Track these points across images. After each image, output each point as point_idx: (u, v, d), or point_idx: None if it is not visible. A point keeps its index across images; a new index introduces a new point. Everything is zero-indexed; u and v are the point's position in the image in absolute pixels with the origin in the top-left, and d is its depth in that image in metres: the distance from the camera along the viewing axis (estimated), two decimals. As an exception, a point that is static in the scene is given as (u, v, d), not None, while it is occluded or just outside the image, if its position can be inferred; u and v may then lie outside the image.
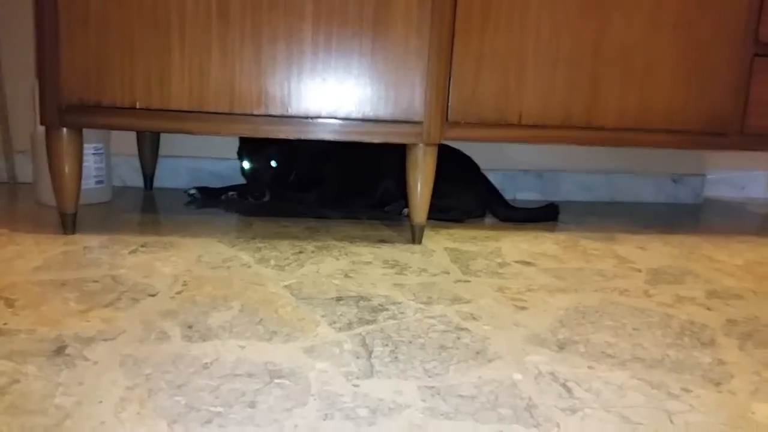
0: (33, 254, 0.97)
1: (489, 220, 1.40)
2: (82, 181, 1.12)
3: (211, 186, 1.54)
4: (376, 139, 1.07)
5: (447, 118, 1.13)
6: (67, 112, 1.03)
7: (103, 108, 1.03)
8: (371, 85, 1.05)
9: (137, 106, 1.03)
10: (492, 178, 1.52)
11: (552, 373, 0.63)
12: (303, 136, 1.07)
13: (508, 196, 1.57)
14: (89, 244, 1.04)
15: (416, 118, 1.07)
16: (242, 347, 0.66)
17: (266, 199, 1.40)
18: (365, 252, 1.07)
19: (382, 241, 1.16)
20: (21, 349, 0.63)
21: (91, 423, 0.51)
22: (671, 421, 0.55)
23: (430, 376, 0.61)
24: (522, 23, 1.16)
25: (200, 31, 1.02)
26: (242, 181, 1.48)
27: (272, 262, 0.98)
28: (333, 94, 1.05)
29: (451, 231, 1.26)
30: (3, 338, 0.66)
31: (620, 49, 1.19)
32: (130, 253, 1.00)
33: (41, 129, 1.32)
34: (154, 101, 1.04)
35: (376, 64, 1.04)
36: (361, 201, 1.45)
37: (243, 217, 1.31)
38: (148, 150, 1.57)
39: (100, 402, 0.54)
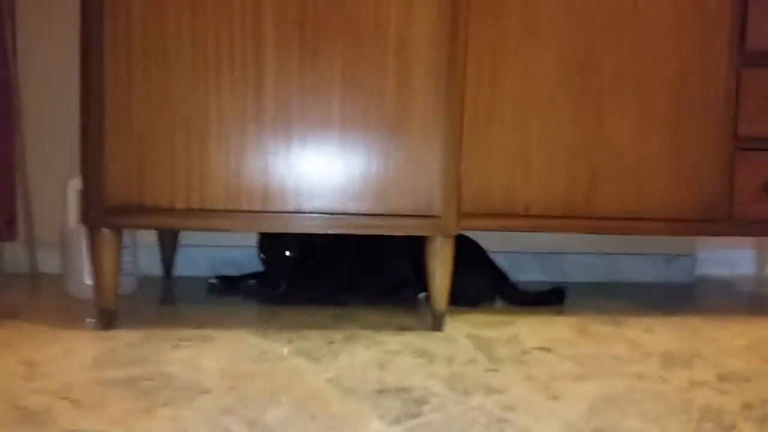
0: (81, 351, 1.01)
1: (499, 303, 1.47)
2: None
3: (230, 275, 1.59)
4: (398, 233, 1.16)
5: (460, 211, 1.22)
6: (109, 214, 1.10)
7: (145, 209, 1.10)
8: (394, 183, 1.14)
9: (176, 207, 1.11)
10: (495, 259, 1.61)
11: (594, 462, 0.69)
12: (331, 231, 1.15)
13: (511, 277, 1.65)
14: (131, 339, 1.08)
15: (435, 213, 1.15)
16: (305, 444, 0.71)
17: (282, 288, 1.46)
18: (392, 341, 1.13)
19: (405, 328, 1.22)
20: (100, 452, 0.67)
21: None
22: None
23: (485, 469, 0.67)
24: (523, 123, 1.28)
25: (237, 133, 1.11)
26: (259, 268, 1.55)
27: (307, 354, 1.03)
28: (358, 191, 1.13)
29: (468, 316, 1.32)
30: (79, 441, 0.70)
31: (615, 145, 1.31)
32: (171, 348, 1.05)
33: (72, 224, 1.39)
34: (193, 202, 1.11)
35: (397, 165, 1.14)
36: (373, 286, 1.52)
37: (266, 307, 1.37)
38: (169, 240, 1.63)
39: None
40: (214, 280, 1.56)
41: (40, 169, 1.64)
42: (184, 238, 1.68)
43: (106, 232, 1.10)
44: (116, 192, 1.08)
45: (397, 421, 0.78)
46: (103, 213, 1.09)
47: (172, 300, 1.42)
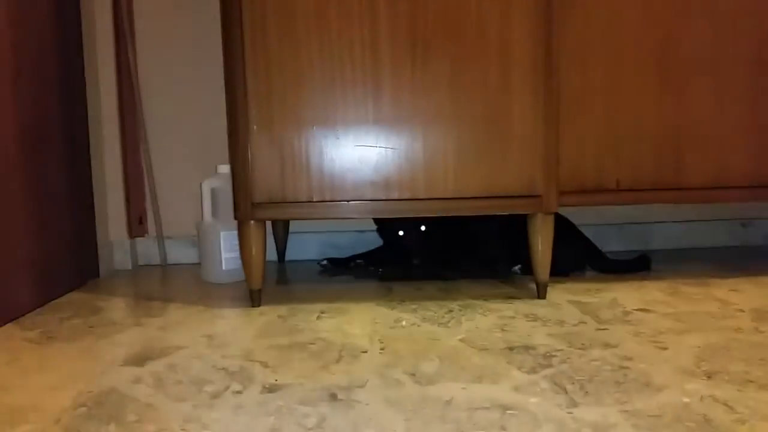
0: (244, 325, 1.20)
1: (589, 273, 1.59)
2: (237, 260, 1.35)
3: (338, 257, 1.77)
4: (506, 212, 1.29)
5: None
6: (256, 208, 1.27)
7: (286, 203, 1.27)
8: (499, 168, 1.27)
9: (313, 200, 1.28)
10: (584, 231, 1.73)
11: (711, 396, 0.82)
12: (446, 214, 1.29)
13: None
14: (279, 313, 1.27)
15: (537, 192, 1.29)
16: (464, 388, 0.87)
17: (416, 262, 1.63)
18: (503, 308, 1.27)
19: (511, 297, 1.36)
20: (304, 397, 0.85)
21: (401, 444, 0.71)
22: (820, 426, 0.73)
23: (620, 403, 0.81)
24: (612, 106, 1.39)
25: (358, 133, 1.27)
26: (361, 250, 1.73)
27: (433, 321, 1.19)
28: (468, 177, 1.27)
29: (565, 285, 1.45)
30: (283, 390, 0.87)
31: (697, 120, 1.41)
32: (316, 318, 1.23)
33: (207, 219, 1.58)
34: (326, 194, 1.28)
35: (502, 151, 1.27)
36: (471, 261, 1.67)
37: (380, 283, 1.54)
38: (281, 228, 1.82)
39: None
40: (324, 262, 1.75)
41: (165, 172, 1.85)
42: (294, 225, 1.86)
43: (253, 224, 1.29)
44: (262, 189, 1.26)
45: (533, 370, 0.93)
46: (251, 208, 1.27)
47: (296, 280, 1.60)
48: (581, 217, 1.72)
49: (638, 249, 1.84)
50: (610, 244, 1.84)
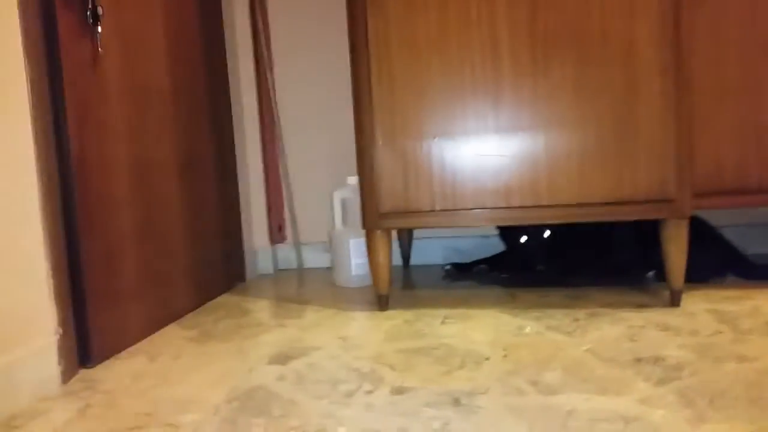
0: (374, 328, 1.28)
1: (731, 278, 1.50)
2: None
3: (462, 262, 1.81)
4: (634, 218, 1.26)
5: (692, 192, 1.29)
6: (382, 218, 1.35)
7: (410, 213, 1.34)
8: (628, 173, 1.25)
9: (435, 209, 1.33)
10: (725, 233, 1.62)
11: None
12: (571, 220, 1.29)
13: (743, 250, 1.65)
14: (406, 318, 1.34)
15: (669, 197, 1.24)
16: (587, 399, 0.87)
17: (540, 268, 1.63)
18: (634, 317, 1.24)
19: (642, 305, 1.32)
20: (429, 400, 0.90)
21: (521, 451, 0.74)
22: None
23: (752, 422, 0.77)
24: (756, 97, 1.30)
25: (479, 142, 1.30)
26: (484, 255, 1.76)
27: (558, 329, 1.19)
28: (595, 182, 1.26)
29: (703, 291, 1.38)
30: (410, 393, 0.93)
31: None
32: (440, 324, 1.28)
33: (339, 227, 1.69)
34: (447, 203, 1.32)
35: (631, 155, 1.24)
36: (602, 267, 1.62)
37: (503, 289, 1.55)
38: (406, 234, 1.89)
39: (516, 437, 0.78)
40: (448, 267, 1.79)
41: (301, 185, 2.00)
42: (418, 231, 1.93)
43: (379, 233, 1.36)
44: (387, 200, 1.34)
45: (661, 383, 0.91)
46: (377, 218, 1.35)
47: (421, 285, 1.66)
48: (722, 217, 1.62)
49: (790, 252, 1.69)
50: (756, 246, 1.71)
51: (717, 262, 1.50)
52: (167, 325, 1.41)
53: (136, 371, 1.11)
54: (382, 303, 1.41)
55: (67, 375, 1.07)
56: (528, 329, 1.21)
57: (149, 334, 1.33)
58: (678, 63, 1.19)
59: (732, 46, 1.30)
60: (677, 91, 1.20)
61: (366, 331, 1.28)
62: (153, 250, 1.37)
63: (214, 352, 1.19)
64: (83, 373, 1.12)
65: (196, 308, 1.55)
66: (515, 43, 1.26)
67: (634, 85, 1.22)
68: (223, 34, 1.83)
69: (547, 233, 1.59)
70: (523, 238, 1.62)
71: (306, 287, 1.78)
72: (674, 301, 1.29)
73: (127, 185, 1.28)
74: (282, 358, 1.12)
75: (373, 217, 1.35)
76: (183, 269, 1.50)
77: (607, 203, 1.25)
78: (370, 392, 0.94)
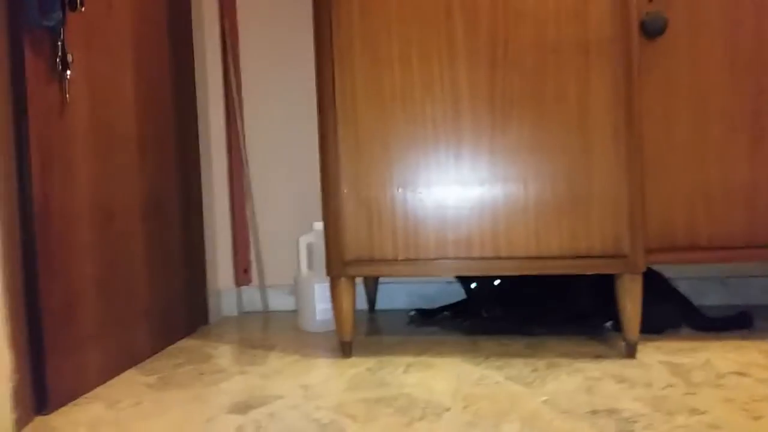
0: (336, 376, 1.28)
1: (685, 330, 1.55)
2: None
3: (427, 308, 1.83)
4: (591, 272, 1.30)
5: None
6: (347, 266, 1.37)
7: (374, 261, 1.36)
8: (583, 229, 1.29)
9: (398, 258, 1.35)
10: (678, 286, 1.67)
11: (804, 476, 0.79)
12: (528, 273, 1.32)
13: (695, 302, 1.71)
14: (368, 365, 1.34)
15: (623, 252, 1.29)
16: (542, 453, 0.89)
17: (486, 315, 1.65)
18: (591, 368, 1.27)
19: (599, 356, 1.35)
20: (389, 454, 0.90)
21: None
22: None
23: (702, 477, 0.80)
24: (700, 164, 1.38)
25: (442, 194, 1.34)
26: (450, 301, 1.78)
27: (517, 380, 1.22)
28: (552, 237, 1.30)
29: (657, 344, 1.42)
30: (370, 446, 0.94)
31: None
32: (403, 372, 1.29)
33: (304, 272, 1.70)
34: (410, 253, 1.35)
35: (586, 212, 1.29)
36: (561, 316, 1.66)
37: (466, 336, 1.57)
38: (372, 279, 1.91)
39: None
40: (413, 312, 1.81)
41: (268, 227, 2.01)
42: (383, 276, 1.95)
43: (344, 280, 1.38)
44: (351, 248, 1.35)
45: (614, 436, 0.94)
46: (342, 266, 1.36)
47: (384, 332, 1.67)
48: (675, 270, 1.68)
49: (739, 304, 1.75)
50: (708, 299, 1.77)
51: (671, 313, 1.55)
52: (127, 370, 1.38)
53: (93, 419, 1.09)
54: (345, 350, 1.41)
55: (21, 422, 1.05)
56: (487, 380, 1.22)
57: (108, 380, 1.31)
58: (630, 124, 1.26)
59: (681, 107, 1.38)
60: (629, 152, 1.26)
61: (328, 379, 1.28)
62: (114, 294, 1.36)
63: (173, 400, 1.18)
64: (38, 420, 1.09)
65: (157, 352, 1.52)
66: (475, 102, 1.31)
67: (588, 145, 1.28)
68: (193, 77, 1.86)
69: (497, 282, 1.63)
70: (473, 285, 1.65)
71: (270, 331, 1.77)
72: (630, 353, 1.33)
73: (90, 231, 1.27)
74: (242, 407, 1.12)
75: (337, 264, 1.37)
76: (144, 313, 1.49)
77: (563, 257, 1.30)
78: (329, 445, 0.94)
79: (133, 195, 1.45)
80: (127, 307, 1.41)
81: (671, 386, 1.14)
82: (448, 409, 1.07)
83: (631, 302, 1.30)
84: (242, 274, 2.01)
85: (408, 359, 1.38)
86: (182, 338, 1.67)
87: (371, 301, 1.93)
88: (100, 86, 1.32)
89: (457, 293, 1.82)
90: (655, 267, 1.59)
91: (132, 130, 1.45)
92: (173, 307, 1.65)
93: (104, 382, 1.29)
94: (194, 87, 1.85)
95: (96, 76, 1.30)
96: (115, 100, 1.39)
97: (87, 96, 1.26)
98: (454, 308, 1.79)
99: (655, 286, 1.58)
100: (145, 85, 1.51)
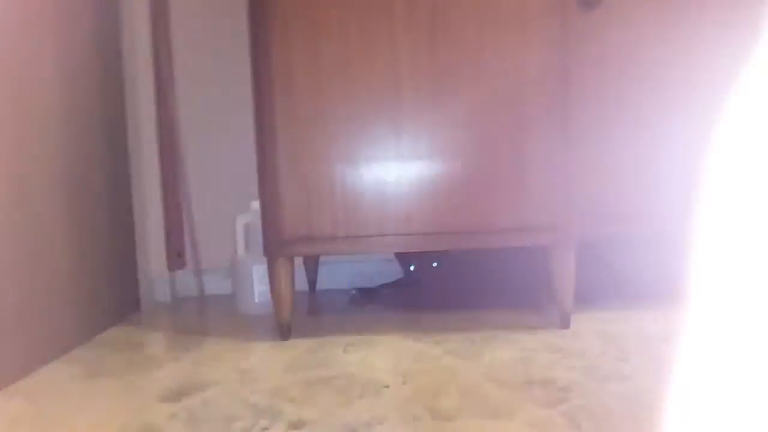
0: (274, 359, 1.25)
1: (617, 299, 1.60)
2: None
3: (367, 286, 1.81)
4: (527, 244, 1.32)
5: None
6: (284, 245, 1.33)
7: (313, 239, 1.33)
8: (522, 203, 1.31)
9: (337, 235, 1.33)
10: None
11: None
12: (470, 246, 1.33)
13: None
14: (308, 347, 1.32)
15: (557, 225, 1.31)
16: (481, 425, 0.89)
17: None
18: (526, 339, 1.29)
19: (535, 327, 1.38)
20: (328, 434, 0.89)
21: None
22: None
23: (633, 440, 0.82)
24: (617, 141, 1.42)
25: (382, 171, 1.32)
26: (389, 279, 1.78)
27: (456, 353, 1.22)
28: (491, 209, 1.31)
29: (590, 314, 1.46)
30: (308, 427, 0.91)
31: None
32: (343, 352, 1.27)
33: (241, 253, 1.65)
34: (350, 230, 1.33)
35: (524, 186, 1.30)
36: (497, 290, 1.69)
37: (406, 313, 1.57)
38: (312, 259, 1.88)
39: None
40: (354, 292, 1.79)
41: (203, 208, 1.94)
42: (324, 255, 1.92)
43: (281, 260, 1.34)
44: (289, 227, 1.32)
45: (550, 405, 0.95)
46: (279, 245, 1.33)
47: (326, 311, 1.65)
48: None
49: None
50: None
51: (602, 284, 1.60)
52: (50, 362, 1.31)
53: (13, 415, 1.03)
54: (284, 332, 1.38)
55: (-73, 424, 0.97)
56: (426, 355, 1.22)
57: (29, 373, 1.23)
58: (565, 97, 1.27)
59: (612, 83, 1.41)
60: (564, 125, 1.28)
61: (266, 362, 1.25)
62: (33, 281, 1.27)
63: (101, 391, 1.12)
64: (-52, 420, 1.02)
65: (84, 342, 1.45)
66: (415, 76, 1.29)
67: (525, 118, 1.29)
68: (121, 49, 1.76)
69: (435, 264, 1.64)
70: (412, 267, 1.66)
71: (205, 316, 1.72)
72: (564, 324, 1.35)
73: (1, 210, 1.18)
74: (174, 395, 1.07)
75: (274, 244, 1.33)
76: (69, 300, 1.41)
77: (502, 230, 1.31)
78: (266, 429, 0.92)
79: (52, 171, 1.36)
80: (48, 294, 1.33)
81: (603, 354, 1.17)
82: (387, 386, 1.07)
83: (566, 274, 1.33)
84: (176, 257, 1.94)
85: (348, 338, 1.36)
86: (111, 327, 1.60)
87: (312, 281, 1.90)
88: (17, 58, 1.22)
89: (398, 270, 1.82)
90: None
91: (53, 101, 1.36)
92: (100, 293, 1.57)
93: (25, 375, 1.22)
94: (121, 57, 1.75)
95: (14, 49, 1.20)
96: (35, 74, 1.29)
97: (4, 69, 1.17)
98: (394, 285, 1.79)
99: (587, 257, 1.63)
100: (66, 57, 1.41)
